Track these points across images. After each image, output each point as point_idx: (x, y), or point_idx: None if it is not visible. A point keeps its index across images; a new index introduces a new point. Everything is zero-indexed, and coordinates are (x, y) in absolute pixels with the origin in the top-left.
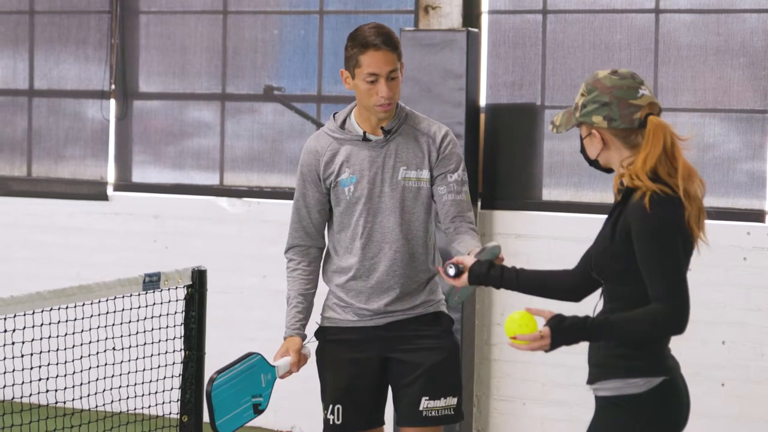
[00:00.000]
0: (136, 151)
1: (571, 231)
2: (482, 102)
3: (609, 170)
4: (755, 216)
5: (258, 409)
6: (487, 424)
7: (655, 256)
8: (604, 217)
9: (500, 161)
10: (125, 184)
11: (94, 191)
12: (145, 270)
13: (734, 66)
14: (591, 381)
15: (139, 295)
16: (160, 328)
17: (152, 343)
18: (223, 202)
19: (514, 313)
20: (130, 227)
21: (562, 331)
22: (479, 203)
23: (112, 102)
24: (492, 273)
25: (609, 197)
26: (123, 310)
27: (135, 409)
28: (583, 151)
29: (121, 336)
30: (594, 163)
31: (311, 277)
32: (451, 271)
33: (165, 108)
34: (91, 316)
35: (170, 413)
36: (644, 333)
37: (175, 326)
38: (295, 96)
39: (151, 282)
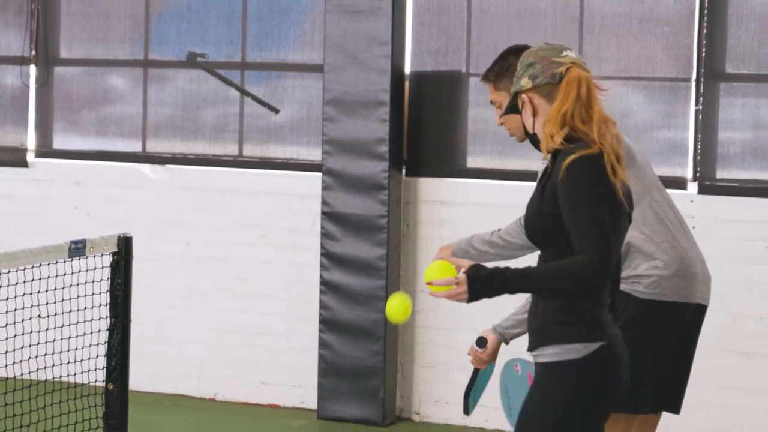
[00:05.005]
0: (57, 118)
1: (495, 198)
2: (407, 69)
3: None
4: (678, 184)
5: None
6: (411, 390)
7: (576, 211)
8: (528, 183)
9: (425, 129)
10: (46, 151)
11: (14, 158)
12: (68, 237)
13: (658, 35)
14: (531, 348)
15: (65, 262)
16: (85, 296)
17: (78, 310)
18: (146, 168)
19: (434, 262)
20: (52, 194)
21: (478, 280)
22: (404, 171)
23: (33, 68)
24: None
25: (532, 164)
26: (48, 277)
27: (60, 377)
28: (525, 131)
29: (47, 303)
30: (534, 139)
31: None
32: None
33: (87, 74)
34: (17, 283)
35: (96, 381)
36: (564, 284)
37: (100, 293)
38: (218, 63)
39: (77, 249)
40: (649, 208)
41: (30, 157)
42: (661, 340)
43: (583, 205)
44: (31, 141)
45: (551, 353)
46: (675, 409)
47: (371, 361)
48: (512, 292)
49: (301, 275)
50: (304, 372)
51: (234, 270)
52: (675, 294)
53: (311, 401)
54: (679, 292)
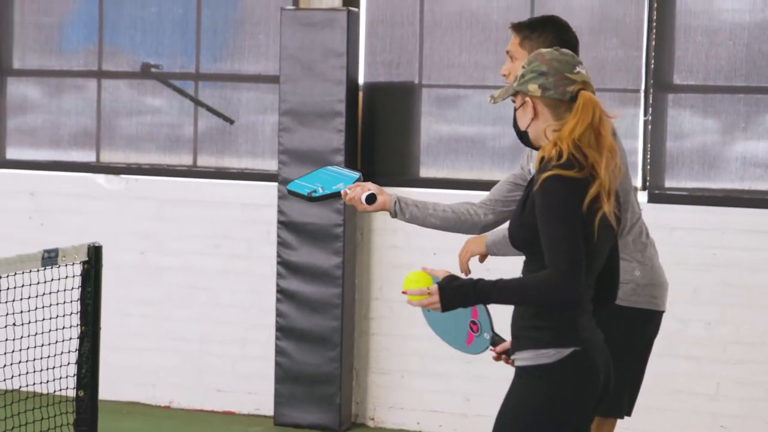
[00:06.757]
0: (10, 128)
1: None
2: (361, 80)
3: (536, 147)
4: None
5: (311, 195)
6: (366, 396)
7: (547, 224)
8: (479, 193)
9: (378, 139)
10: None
11: None
12: (21, 248)
13: (607, 47)
14: (511, 352)
15: (38, 271)
16: (57, 304)
17: (50, 319)
18: (101, 179)
19: (411, 272)
20: (5, 204)
21: (451, 290)
22: None
23: None
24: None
25: (484, 174)
26: (23, 286)
27: (34, 384)
28: (515, 123)
29: (21, 312)
30: (524, 136)
31: None
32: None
33: (40, 85)
34: None
35: (66, 388)
36: (533, 298)
37: (71, 302)
38: (173, 74)
39: (50, 258)
40: (631, 216)
41: None
42: (631, 347)
43: (554, 219)
44: None
45: (525, 357)
46: (630, 412)
47: (327, 367)
48: (483, 302)
49: (257, 284)
50: (260, 379)
51: (189, 279)
52: (648, 302)
53: (267, 408)
54: (652, 300)
